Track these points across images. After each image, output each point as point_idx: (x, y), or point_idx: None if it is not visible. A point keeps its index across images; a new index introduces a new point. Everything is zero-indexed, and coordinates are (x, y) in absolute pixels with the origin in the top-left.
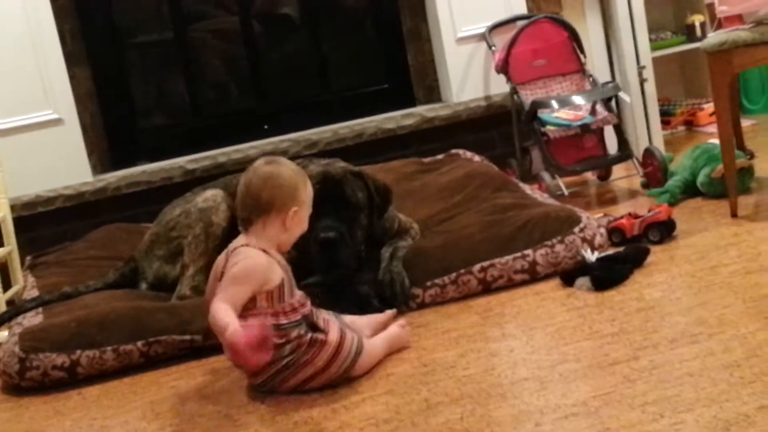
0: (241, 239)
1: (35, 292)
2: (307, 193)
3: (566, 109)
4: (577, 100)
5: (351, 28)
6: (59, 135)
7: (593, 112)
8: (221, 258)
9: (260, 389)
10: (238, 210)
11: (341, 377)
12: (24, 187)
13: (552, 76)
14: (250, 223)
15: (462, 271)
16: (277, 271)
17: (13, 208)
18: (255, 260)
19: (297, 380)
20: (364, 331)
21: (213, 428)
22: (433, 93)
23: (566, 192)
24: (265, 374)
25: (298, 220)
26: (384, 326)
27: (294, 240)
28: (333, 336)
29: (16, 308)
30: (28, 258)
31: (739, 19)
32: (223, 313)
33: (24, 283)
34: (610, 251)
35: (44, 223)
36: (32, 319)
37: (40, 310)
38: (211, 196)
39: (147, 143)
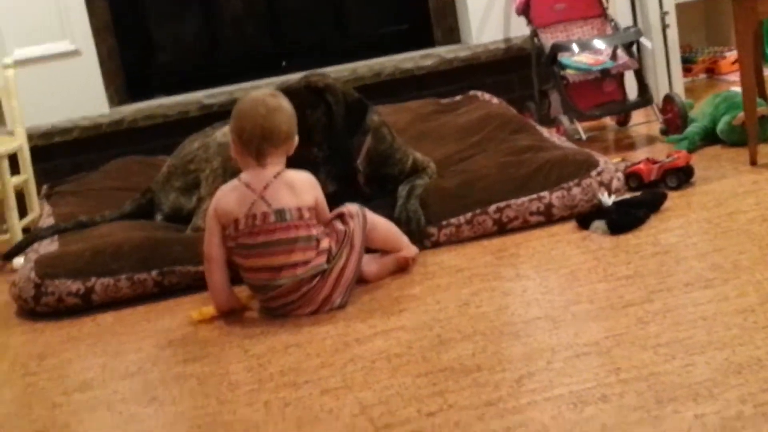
0: (263, 171)
1: (51, 221)
2: None
3: (587, 53)
4: (598, 44)
5: None
6: (77, 66)
7: (614, 56)
8: (240, 192)
9: (278, 312)
10: (244, 145)
11: (363, 245)
12: (41, 117)
13: (573, 19)
14: (264, 155)
15: (477, 211)
16: None
17: (30, 137)
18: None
19: (336, 271)
20: (371, 265)
21: (224, 357)
22: (452, 34)
23: (584, 136)
24: (310, 280)
25: None
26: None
27: None
28: (351, 209)
29: (32, 235)
30: (45, 187)
31: None
32: None
33: (40, 212)
34: (627, 196)
35: (61, 154)
36: (48, 246)
37: (55, 237)
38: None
39: (164, 77)
